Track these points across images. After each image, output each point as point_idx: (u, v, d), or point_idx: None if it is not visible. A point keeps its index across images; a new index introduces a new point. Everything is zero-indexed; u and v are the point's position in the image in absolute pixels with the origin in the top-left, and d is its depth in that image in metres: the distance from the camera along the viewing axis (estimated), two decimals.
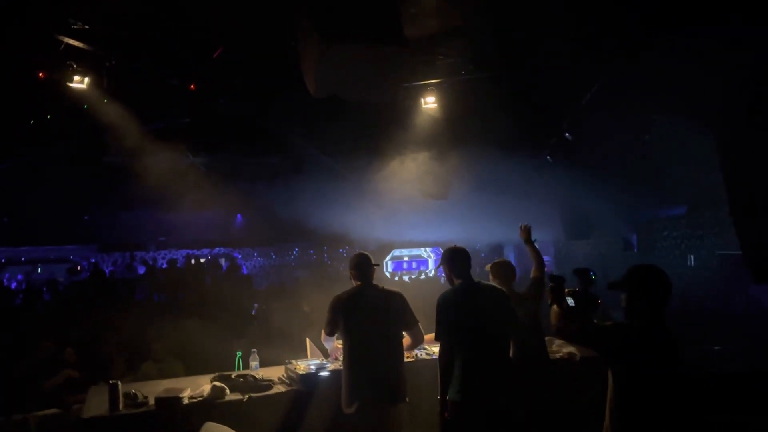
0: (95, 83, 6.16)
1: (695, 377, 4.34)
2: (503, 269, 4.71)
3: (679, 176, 8.14)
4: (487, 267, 4.84)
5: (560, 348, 5.04)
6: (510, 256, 16.96)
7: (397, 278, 15.18)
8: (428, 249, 16.37)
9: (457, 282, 3.92)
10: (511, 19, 5.61)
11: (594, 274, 3.32)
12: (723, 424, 4.35)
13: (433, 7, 5.19)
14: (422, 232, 13.99)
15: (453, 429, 3.70)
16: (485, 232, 13.14)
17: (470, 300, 3.83)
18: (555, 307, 3.09)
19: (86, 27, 5.52)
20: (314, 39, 4.58)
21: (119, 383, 3.84)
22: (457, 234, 13.82)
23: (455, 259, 3.98)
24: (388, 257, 16.10)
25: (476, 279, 3.96)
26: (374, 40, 4.62)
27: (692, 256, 9.20)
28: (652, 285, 2.84)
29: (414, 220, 11.50)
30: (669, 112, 6.92)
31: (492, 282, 4.37)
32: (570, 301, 3.10)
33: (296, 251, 15.53)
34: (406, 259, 16.19)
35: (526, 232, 5.10)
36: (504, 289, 4.07)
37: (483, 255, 17.77)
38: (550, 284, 3.23)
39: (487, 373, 3.70)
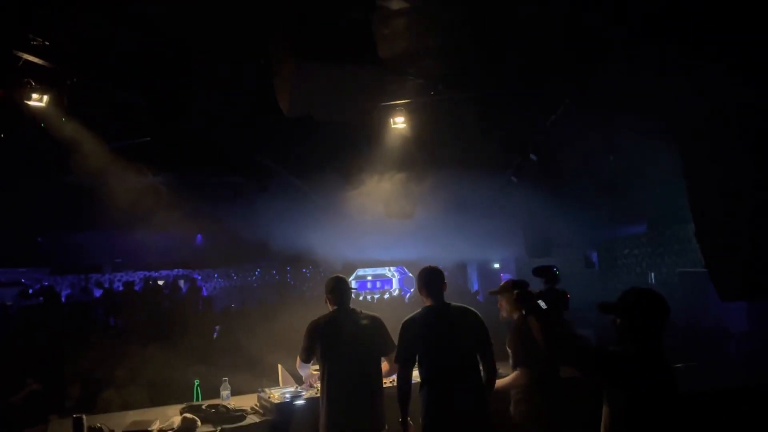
0: (54, 101, 5.92)
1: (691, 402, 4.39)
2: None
3: (639, 195, 8.36)
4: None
5: None
6: (473, 275, 17.10)
7: (361, 298, 15.10)
8: (392, 268, 16.35)
9: (427, 302, 3.90)
10: (480, 38, 5.67)
11: (557, 269, 3.24)
12: None
13: (406, 27, 5.21)
14: (386, 252, 13.97)
15: None
16: (450, 250, 13.21)
17: (440, 323, 3.81)
18: (533, 319, 2.92)
19: (46, 43, 5.31)
20: (289, 58, 4.51)
21: (83, 417, 3.64)
22: (422, 253, 13.86)
23: (429, 279, 3.97)
24: (352, 276, 16.01)
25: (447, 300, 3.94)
26: (350, 60, 4.58)
27: (653, 274, 9.43)
28: (648, 309, 2.78)
29: (378, 239, 11.47)
30: (632, 132, 7.11)
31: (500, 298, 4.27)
32: (542, 303, 2.98)
33: (258, 272, 15.26)
34: (369, 278, 16.14)
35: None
36: (477, 312, 3.99)
37: (447, 273, 17.89)
38: (515, 292, 3.08)
39: (457, 398, 3.68)
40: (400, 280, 16.56)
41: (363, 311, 4.07)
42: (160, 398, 5.25)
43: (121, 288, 12.30)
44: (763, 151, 5.21)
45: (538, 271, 3.28)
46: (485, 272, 16.35)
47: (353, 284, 15.88)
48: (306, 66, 4.47)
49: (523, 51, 5.74)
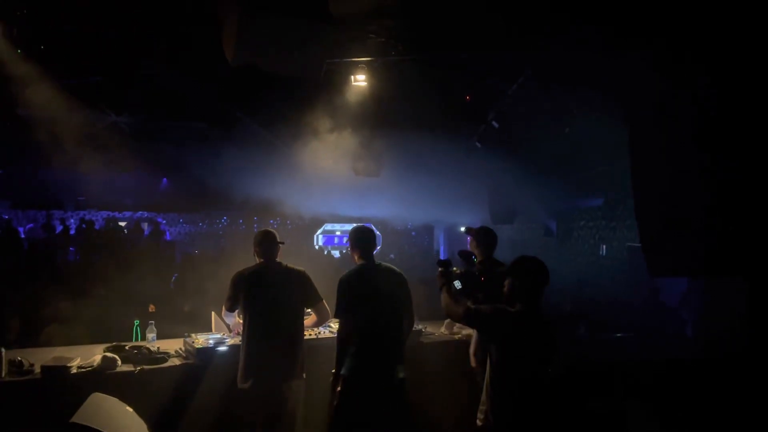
0: (3, 33, 5.79)
1: (573, 361, 4.61)
2: (486, 237, 4.67)
3: (596, 168, 8.47)
4: (463, 229, 4.92)
5: (460, 330, 5.21)
6: (440, 237, 17.29)
7: (326, 252, 15.24)
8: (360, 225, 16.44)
9: (359, 262, 4.00)
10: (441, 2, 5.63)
11: (475, 257, 3.88)
12: (603, 409, 4.62)
13: None
14: (354, 208, 14.03)
15: (343, 404, 3.78)
16: (417, 211, 13.33)
17: (370, 281, 3.92)
18: (445, 290, 3.32)
19: None
20: (234, 8, 4.47)
21: (2, 350, 3.71)
22: (389, 212, 14.01)
23: (361, 239, 4.09)
24: (320, 231, 16.10)
25: (378, 261, 4.05)
26: (296, 14, 4.55)
27: (604, 246, 9.63)
28: (531, 274, 3.07)
29: (346, 196, 11.52)
30: (588, 107, 7.17)
31: (472, 249, 4.47)
32: (457, 283, 3.36)
33: (225, 220, 15.26)
34: (338, 233, 16.23)
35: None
36: (401, 272, 4.11)
37: (414, 234, 18.03)
38: (439, 269, 3.44)
39: (382, 352, 3.84)
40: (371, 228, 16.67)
41: (289, 265, 4.16)
42: (101, 337, 5.33)
43: (83, 226, 12.26)
44: (707, 130, 5.29)
45: (462, 254, 3.93)
46: (451, 234, 16.54)
47: (320, 239, 16.09)
48: (251, 17, 4.44)
49: (480, 18, 5.71)
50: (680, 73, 5.06)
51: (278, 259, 4.17)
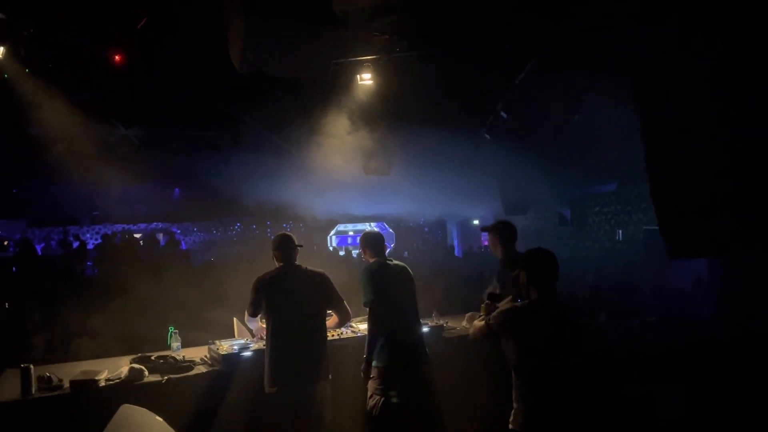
0: (12, 53, 5.84)
1: (597, 349, 4.58)
2: (506, 230, 4.61)
3: (609, 154, 8.41)
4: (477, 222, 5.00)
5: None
6: (453, 232, 17.27)
7: (342, 252, 15.25)
8: (372, 223, 16.46)
9: (373, 260, 4.25)
10: None
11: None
12: (631, 395, 4.58)
13: None
14: (366, 207, 14.05)
15: (378, 393, 3.96)
16: (429, 207, 13.32)
17: (390, 274, 4.18)
18: (483, 323, 3.18)
19: None
20: (240, 12, 4.46)
21: (31, 367, 3.74)
22: (401, 209, 14.01)
23: (372, 242, 4.35)
24: (333, 232, 16.13)
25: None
26: (302, 17, 4.54)
27: (620, 231, 9.58)
28: (542, 263, 3.09)
29: (357, 195, 11.54)
30: (596, 92, 7.11)
31: (492, 247, 4.59)
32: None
33: (238, 226, 15.32)
34: (351, 233, 16.26)
35: None
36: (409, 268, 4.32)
37: (427, 230, 18.02)
38: (487, 302, 3.44)
39: (412, 342, 4.12)
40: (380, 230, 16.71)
41: (308, 268, 4.17)
42: (126, 349, 5.36)
43: (99, 240, 12.35)
44: (720, 111, 5.23)
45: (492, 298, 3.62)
46: (465, 229, 16.51)
47: (333, 239, 16.12)
48: (256, 21, 4.44)
49: (485, 8, 5.69)
50: (693, 49, 5.00)
51: (297, 262, 4.18)
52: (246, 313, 4.18)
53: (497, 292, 3.78)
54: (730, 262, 6.67)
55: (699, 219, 5.44)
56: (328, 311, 4.28)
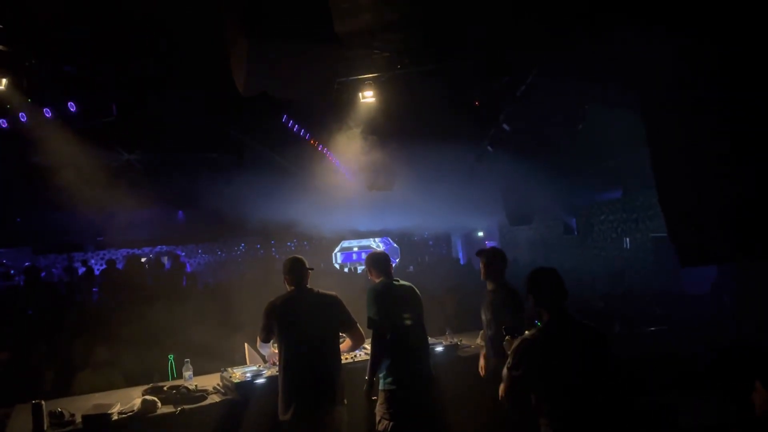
0: (14, 84, 5.85)
1: (621, 360, 4.50)
2: (497, 258, 4.53)
3: (613, 162, 8.38)
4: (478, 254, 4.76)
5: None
6: (458, 245, 17.21)
7: (347, 269, 15.17)
8: (377, 239, 16.41)
9: (379, 280, 4.24)
10: (442, 11, 5.61)
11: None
12: (652, 406, 4.51)
13: (364, 1, 5.13)
14: (371, 223, 14.03)
15: (387, 417, 3.95)
16: (433, 220, 13.29)
17: (396, 294, 4.18)
18: (506, 372, 2.99)
19: (0, 27, 5.22)
20: (242, 36, 4.45)
21: (43, 403, 3.69)
22: (405, 223, 13.96)
23: (377, 262, 4.37)
24: (337, 249, 16.06)
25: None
26: (304, 37, 4.53)
27: (628, 239, 9.52)
28: (545, 283, 3.01)
29: (361, 211, 11.53)
30: (601, 101, 7.10)
31: (483, 270, 4.50)
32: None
33: (242, 246, 15.27)
34: (355, 249, 16.19)
35: None
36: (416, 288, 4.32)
37: (431, 243, 17.95)
38: (507, 337, 3.30)
39: (418, 361, 4.11)
40: (385, 251, 16.63)
41: (320, 291, 4.12)
42: (137, 379, 5.30)
43: (103, 266, 12.31)
44: (727, 119, 5.20)
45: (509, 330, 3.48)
46: (470, 240, 16.45)
47: (338, 256, 16.05)
48: (259, 44, 4.42)
49: (485, 22, 5.68)
50: (701, 57, 4.97)
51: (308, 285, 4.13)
52: (258, 338, 4.13)
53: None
54: (743, 268, 6.61)
55: (709, 226, 5.40)
56: (342, 334, 4.23)
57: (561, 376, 2.83)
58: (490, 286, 4.40)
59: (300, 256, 4.21)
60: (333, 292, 4.16)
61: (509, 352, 3.03)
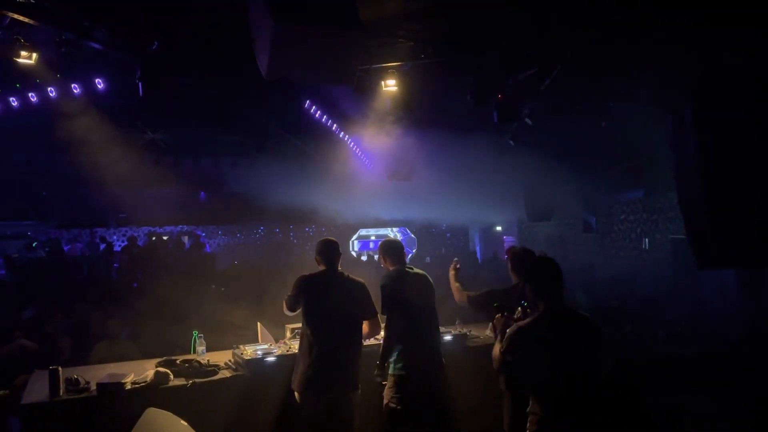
0: (44, 59, 5.95)
1: (623, 359, 4.50)
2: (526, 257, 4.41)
3: (636, 161, 8.29)
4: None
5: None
6: (476, 238, 17.17)
7: (364, 257, 15.23)
8: (395, 228, 16.45)
9: (393, 268, 4.24)
10: (469, 2, 5.59)
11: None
12: (658, 407, 4.49)
13: None
14: (388, 212, 14.07)
15: (394, 402, 3.97)
16: (451, 213, 13.28)
17: (409, 282, 4.17)
18: (498, 353, 3.08)
19: (32, 1, 5.32)
20: (268, 20, 4.49)
21: (59, 369, 3.80)
22: (423, 214, 13.98)
23: (390, 250, 4.37)
24: (355, 237, 16.14)
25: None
26: (329, 22, 4.55)
27: (647, 240, 9.43)
28: (543, 272, 3.00)
29: (380, 200, 11.56)
30: (627, 99, 7.02)
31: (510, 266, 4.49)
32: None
33: (261, 230, 15.41)
34: (372, 238, 16.25)
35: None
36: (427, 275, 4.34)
37: (449, 235, 17.93)
38: (498, 315, 3.34)
39: (430, 345, 4.14)
40: (402, 241, 16.66)
41: (350, 275, 4.10)
42: (151, 352, 5.40)
43: (125, 242, 12.53)
44: (752, 123, 5.14)
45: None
46: (487, 235, 16.41)
47: (356, 244, 16.13)
48: (284, 27, 4.45)
49: (512, 14, 5.65)
50: (732, 59, 4.91)
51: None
52: (284, 305, 4.03)
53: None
54: (757, 273, 6.54)
55: (729, 229, 5.35)
56: None
57: (549, 367, 2.84)
58: (515, 280, 4.41)
59: (332, 238, 4.20)
60: (361, 279, 4.13)
61: (499, 332, 3.18)
